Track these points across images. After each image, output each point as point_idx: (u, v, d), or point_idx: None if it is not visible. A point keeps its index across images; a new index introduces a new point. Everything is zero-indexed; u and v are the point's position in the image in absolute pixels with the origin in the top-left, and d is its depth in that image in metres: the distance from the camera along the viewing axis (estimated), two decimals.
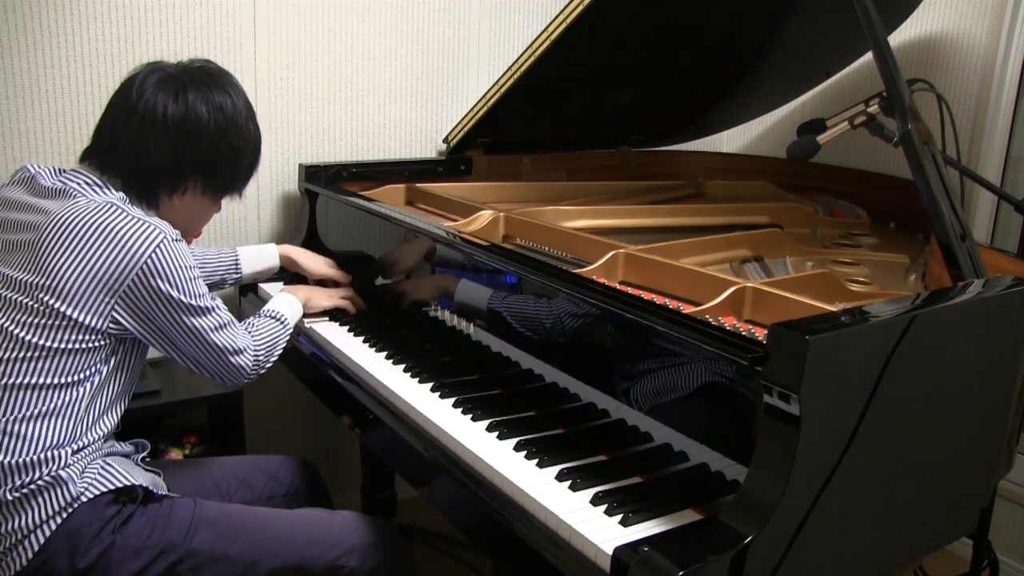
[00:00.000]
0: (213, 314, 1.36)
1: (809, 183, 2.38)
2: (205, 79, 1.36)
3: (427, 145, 2.45)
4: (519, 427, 1.29)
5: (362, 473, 2.23)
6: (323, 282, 1.89)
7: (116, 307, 1.25)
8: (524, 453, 1.21)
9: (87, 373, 1.26)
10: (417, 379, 1.47)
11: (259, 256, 1.86)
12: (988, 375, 1.27)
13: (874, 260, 1.76)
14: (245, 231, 2.24)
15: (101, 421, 1.31)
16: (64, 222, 1.23)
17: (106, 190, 1.31)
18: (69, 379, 1.25)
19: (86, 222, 1.23)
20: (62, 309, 1.21)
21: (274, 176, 2.24)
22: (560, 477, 1.15)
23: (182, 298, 1.29)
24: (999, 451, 1.34)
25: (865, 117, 1.47)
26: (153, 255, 1.24)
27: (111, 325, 1.25)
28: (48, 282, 1.22)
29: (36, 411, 1.23)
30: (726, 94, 2.40)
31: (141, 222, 1.25)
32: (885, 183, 2.24)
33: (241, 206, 2.21)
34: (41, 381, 1.23)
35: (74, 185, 1.30)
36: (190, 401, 1.94)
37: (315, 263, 1.89)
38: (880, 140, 1.44)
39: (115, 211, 1.25)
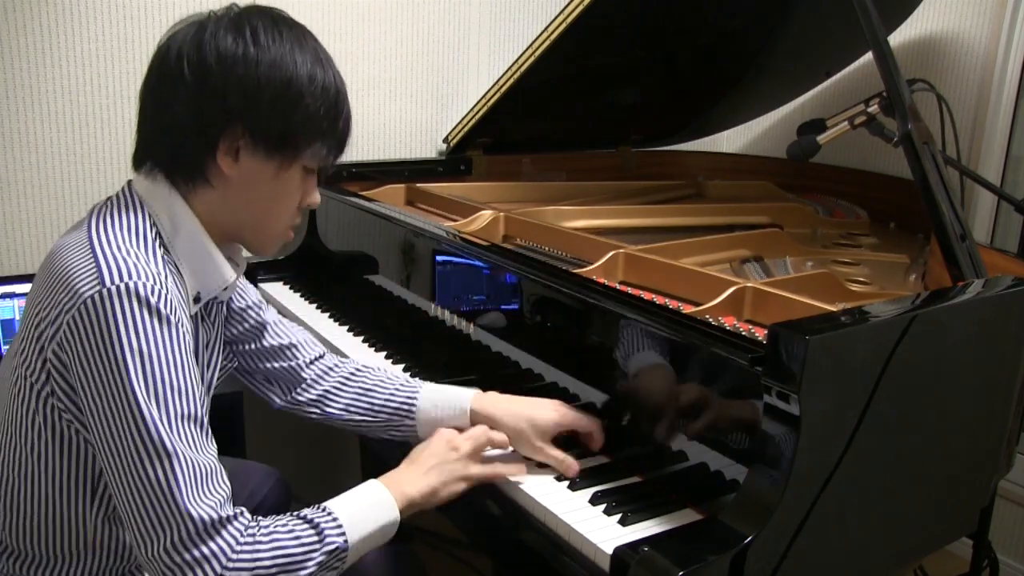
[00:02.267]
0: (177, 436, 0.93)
1: (809, 183, 2.38)
2: (238, 15, 1.04)
3: (427, 145, 2.45)
4: None
5: (362, 473, 2.23)
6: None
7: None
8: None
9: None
10: (417, 379, 1.47)
11: (442, 400, 1.26)
12: (988, 375, 1.27)
13: (874, 260, 1.76)
14: None
15: None
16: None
17: (112, 217, 1.03)
18: None
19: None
20: None
21: None
22: (559, 477, 1.15)
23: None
24: (999, 451, 1.34)
25: (865, 117, 1.47)
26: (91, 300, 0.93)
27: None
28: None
29: None
30: (726, 94, 2.40)
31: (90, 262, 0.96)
32: (885, 183, 2.24)
33: None
34: None
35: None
36: None
37: (521, 422, 1.20)
38: (880, 140, 1.44)
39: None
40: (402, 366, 1.53)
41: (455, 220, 1.81)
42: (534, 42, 1.93)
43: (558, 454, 1.17)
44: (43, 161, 1.95)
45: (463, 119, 2.23)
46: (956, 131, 1.80)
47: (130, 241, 0.99)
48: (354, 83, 2.28)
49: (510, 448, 1.20)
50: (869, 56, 1.60)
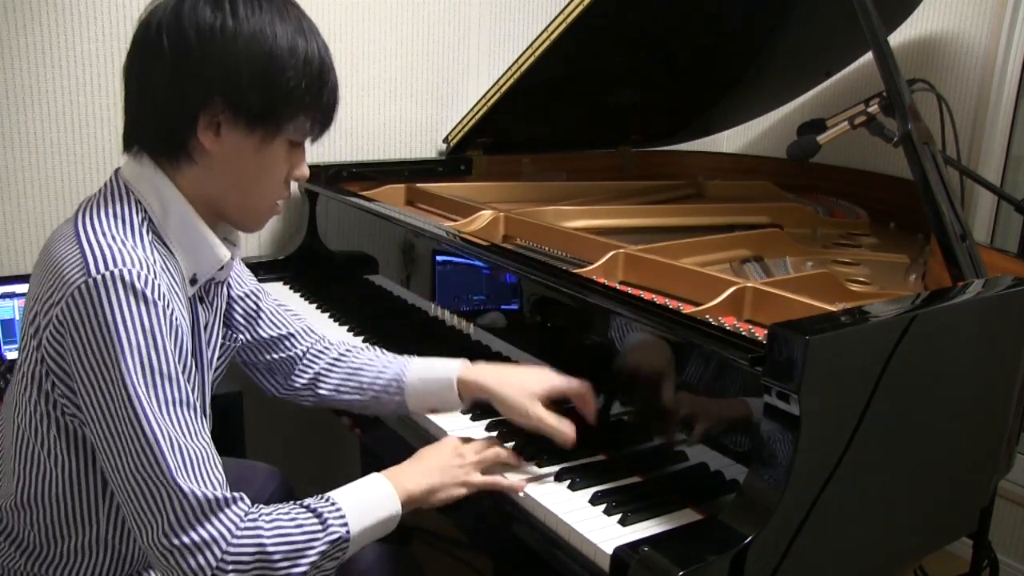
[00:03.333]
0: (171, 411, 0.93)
1: (809, 183, 2.38)
2: None
3: (427, 145, 2.45)
4: (518, 428, 1.28)
5: (362, 473, 2.23)
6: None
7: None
8: (524, 454, 1.21)
9: None
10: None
11: (429, 374, 1.27)
12: (988, 375, 1.27)
13: (874, 260, 1.76)
14: None
15: None
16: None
17: (100, 207, 1.02)
18: None
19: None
20: None
21: None
22: (559, 477, 1.15)
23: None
24: (999, 451, 1.34)
25: (865, 117, 1.47)
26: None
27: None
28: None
29: None
30: (726, 94, 2.40)
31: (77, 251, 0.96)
32: (885, 183, 2.24)
33: None
34: None
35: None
36: None
37: (514, 389, 1.20)
38: (880, 140, 1.44)
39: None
40: None
41: (455, 220, 1.81)
42: (534, 42, 1.93)
43: (553, 420, 1.15)
44: (43, 161, 1.95)
45: (463, 119, 2.23)
46: (956, 131, 1.80)
47: (116, 228, 0.99)
48: (354, 83, 2.29)
49: (516, 463, 1.18)
50: (869, 56, 1.60)
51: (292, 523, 0.97)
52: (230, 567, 0.92)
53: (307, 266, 2.13)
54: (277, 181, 1.07)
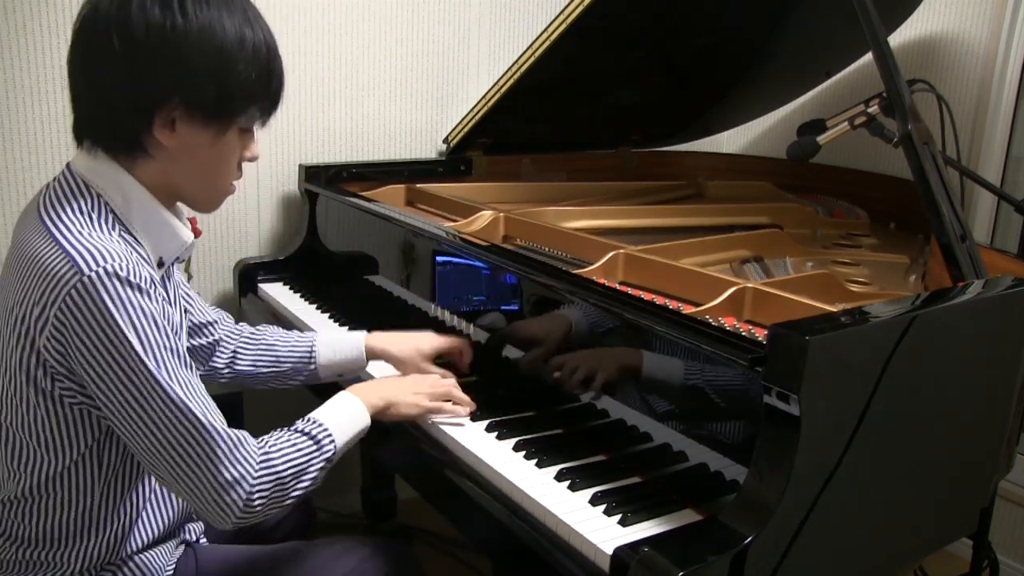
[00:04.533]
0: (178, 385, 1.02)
1: (809, 183, 2.38)
2: None
3: (427, 145, 2.45)
4: (518, 427, 1.29)
5: (362, 473, 2.23)
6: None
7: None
8: (523, 453, 1.21)
9: None
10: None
11: (338, 345, 1.46)
12: (988, 375, 1.27)
13: (874, 260, 1.76)
14: (245, 231, 2.24)
15: None
16: None
17: (51, 200, 1.05)
18: None
19: None
20: None
21: (274, 176, 2.24)
22: (559, 477, 1.15)
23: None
24: (999, 451, 1.34)
25: (865, 117, 1.47)
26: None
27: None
28: None
29: None
30: (726, 95, 2.40)
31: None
32: (885, 183, 2.24)
33: (241, 206, 2.21)
34: None
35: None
36: None
37: (410, 350, 1.44)
38: (880, 140, 1.44)
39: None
40: None
41: (455, 220, 1.81)
42: (534, 42, 1.93)
43: (438, 371, 1.42)
44: (43, 161, 1.95)
45: (463, 119, 2.23)
46: (956, 131, 1.80)
47: (88, 225, 1.02)
48: (354, 84, 2.29)
49: (467, 409, 1.34)
50: (869, 56, 1.60)
51: (294, 448, 1.12)
52: (256, 495, 1.06)
53: (307, 266, 2.13)
54: (232, 166, 1.13)
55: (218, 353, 1.45)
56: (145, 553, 1.20)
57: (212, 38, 1.01)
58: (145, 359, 0.99)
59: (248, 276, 2.11)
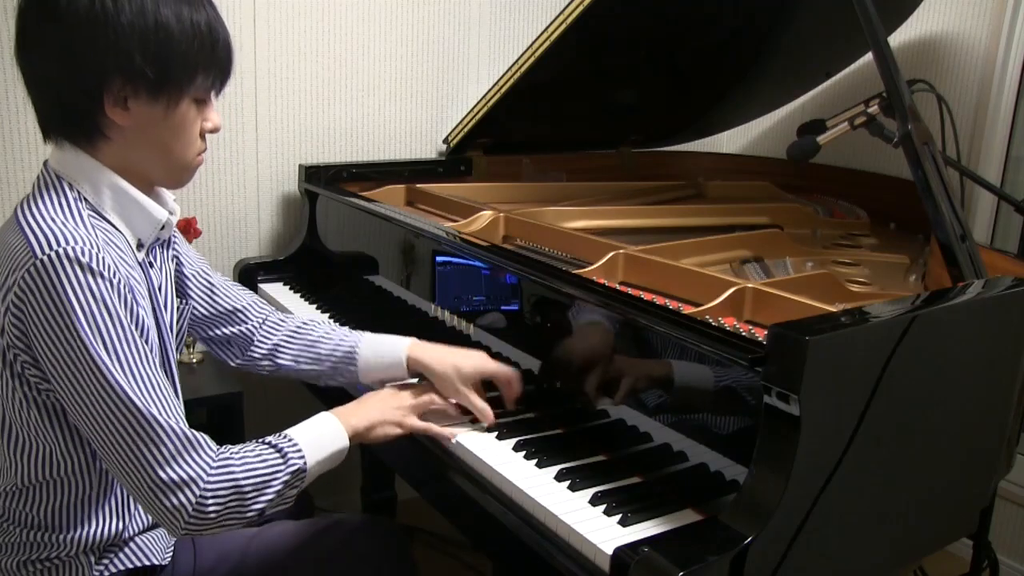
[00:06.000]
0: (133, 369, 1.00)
1: (809, 183, 2.38)
2: None
3: (427, 145, 2.45)
4: (518, 427, 1.28)
5: (362, 473, 2.23)
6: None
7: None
8: (523, 453, 1.21)
9: None
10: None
11: (381, 348, 1.38)
12: (988, 375, 1.27)
13: (874, 261, 1.76)
14: (245, 231, 2.24)
15: None
16: None
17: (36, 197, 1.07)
18: None
19: None
20: None
21: (274, 176, 2.24)
22: (559, 477, 1.15)
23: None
24: (999, 452, 1.34)
25: (865, 118, 1.47)
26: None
27: None
28: None
29: None
30: (726, 95, 2.40)
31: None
32: (885, 183, 2.24)
33: (241, 206, 2.21)
34: None
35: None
36: (189, 402, 1.91)
37: (448, 368, 1.31)
38: (880, 140, 1.44)
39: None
40: None
41: (455, 220, 1.81)
42: (534, 43, 1.93)
43: (477, 400, 1.29)
44: (43, 161, 1.95)
45: (463, 120, 2.23)
46: (956, 131, 1.80)
47: (55, 212, 1.03)
48: (354, 84, 2.29)
49: (452, 412, 1.31)
50: (869, 56, 1.60)
51: (258, 459, 1.08)
52: (210, 500, 1.02)
53: (307, 266, 2.14)
54: (193, 137, 1.12)
55: (256, 344, 1.42)
56: (145, 535, 1.22)
57: (146, 15, 1.01)
58: (89, 345, 0.97)
59: (248, 276, 2.11)
